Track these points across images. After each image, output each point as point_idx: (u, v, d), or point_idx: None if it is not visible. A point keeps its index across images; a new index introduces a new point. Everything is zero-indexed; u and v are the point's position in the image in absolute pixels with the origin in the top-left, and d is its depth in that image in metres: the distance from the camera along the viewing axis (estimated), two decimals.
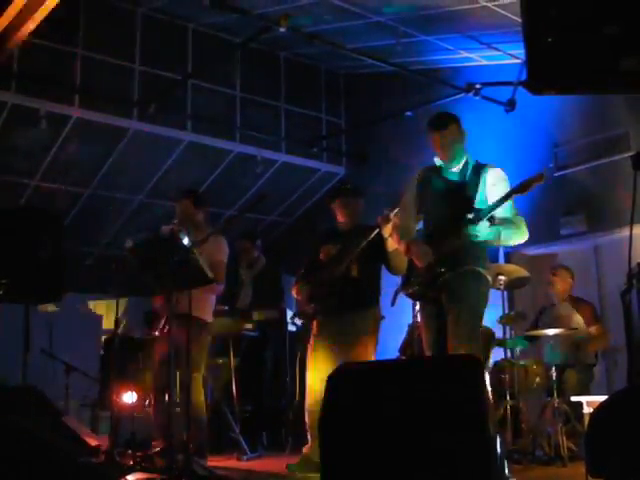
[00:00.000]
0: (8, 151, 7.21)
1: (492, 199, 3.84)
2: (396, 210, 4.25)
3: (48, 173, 7.56)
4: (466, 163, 4.02)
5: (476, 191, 3.89)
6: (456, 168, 4.01)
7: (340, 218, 4.87)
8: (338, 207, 4.87)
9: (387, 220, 4.25)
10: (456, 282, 3.82)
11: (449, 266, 3.82)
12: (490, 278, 4.03)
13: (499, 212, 3.76)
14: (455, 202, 3.91)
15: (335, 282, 4.68)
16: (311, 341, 4.81)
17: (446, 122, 3.97)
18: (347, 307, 4.65)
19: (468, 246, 3.81)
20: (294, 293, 4.92)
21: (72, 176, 7.74)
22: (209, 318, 4.99)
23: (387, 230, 4.30)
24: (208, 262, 4.48)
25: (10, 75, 6.72)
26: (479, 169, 3.98)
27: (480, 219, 3.71)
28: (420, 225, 4.17)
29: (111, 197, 8.13)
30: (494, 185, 3.90)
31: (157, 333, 5.05)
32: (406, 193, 4.22)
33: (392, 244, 4.39)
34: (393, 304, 4.54)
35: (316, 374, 4.65)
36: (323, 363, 4.64)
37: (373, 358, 4.67)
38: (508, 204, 3.80)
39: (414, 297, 4.19)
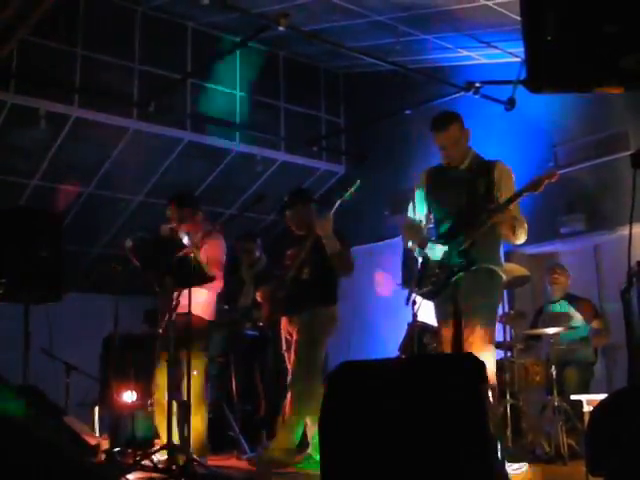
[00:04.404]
0: (8, 151, 7.21)
1: (499, 194, 3.86)
2: (332, 211, 4.39)
3: (48, 173, 7.55)
4: (472, 160, 4.02)
5: (488, 187, 3.89)
6: (463, 166, 4.01)
7: (293, 229, 5.02)
8: (288, 221, 5.06)
9: (324, 223, 4.35)
10: (470, 282, 3.81)
11: (463, 264, 3.81)
12: (504, 276, 4.04)
13: (511, 210, 3.80)
14: (470, 199, 3.90)
15: (286, 285, 4.83)
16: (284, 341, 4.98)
17: (446, 122, 3.98)
18: (297, 309, 4.79)
19: (483, 242, 3.81)
20: (258, 297, 5.12)
21: (72, 176, 7.73)
22: (209, 316, 4.99)
23: (324, 232, 4.42)
24: (205, 260, 4.49)
25: (9, 75, 6.72)
26: (487, 165, 3.98)
27: (501, 210, 3.74)
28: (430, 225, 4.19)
29: (111, 197, 8.13)
30: (501, 181, 3.91)
31: (160, 331, 5.06)
32: (415, 191, 4.21)
33: (333, 246, 4.53)
34: (407, 303, 4.53)
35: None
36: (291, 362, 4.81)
37: (321, 359, 4.77)
38: (517, 204, 3.84)
39: (428, 297, 4.10)
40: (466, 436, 2.33)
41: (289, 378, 4.81)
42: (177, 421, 4.60)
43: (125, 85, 7.50)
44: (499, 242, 3.95)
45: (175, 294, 4.41)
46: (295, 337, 4.79)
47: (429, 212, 4.15)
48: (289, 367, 4.89)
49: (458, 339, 3.84)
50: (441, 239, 3.97)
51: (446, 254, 3.88)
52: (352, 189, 4.47)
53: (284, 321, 4.98)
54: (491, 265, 3.88)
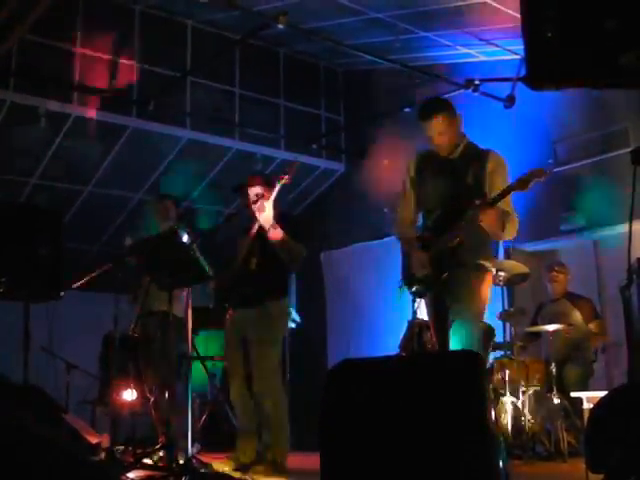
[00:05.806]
0: (7, 149, 7.20)
1: (492, 186, 3.73)
2: (272, 199, 4.32)
3: (47, 171, 7.55)
4: (465, 148, 3.87)
5: (478, 178, 3.75)
6: (455, 154, 3.86)
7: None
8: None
9: (263, 209, 4.31)
10: (459, 278, 3.72)
11: (452, 261, 3.72)
12: (493, 270, 3.96)
13: (500, 204, 3.65)
14: (459, 190, 3.77)
15: (235, 277, 4.66)
16: (226, 335, 4.78)
17: (432, 111, 3.82)
18: (245, 302, 4.60)
19: (471, 237, 3.70)
20: (211, 287, 4.93)
21: (71, 174, 7.74)
22: (180, 314, 4.97)
23: (262, 218, 4.34)
24: None
25: (9, 73, 6.71)
26: (479, 155, 3.84)
27: (488, 205, 3.60)
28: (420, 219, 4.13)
29: (110, 195, 8.13)
30: (494, 172, 3.77)
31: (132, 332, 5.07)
32: (404, 183, 4.06)
33: (275, 234, 4.37)
34: (397, 301, 4.51)
35: (233, 368, 4.66)
36: (236, 357, 4.63)
37: (278, 357, 4.60)
38: (509, 197, 3.71)
39: (417, 295, 4.02)
40: (467, 433, 2.33)
41: (256, 384, 4.54)
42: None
43: (124, 83, 7.49)
44: (488, 235, 3.79)
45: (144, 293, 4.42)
46: (249, 338, 4.58)
47: (417, 202, 4.00)
48: (227, 366, 4.70)
49: (443, 337, 3.80)
50: (429, 232, 3.86)
51: (435, 251, 3.77)
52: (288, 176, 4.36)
53: (229, 316, 4.77)
54: (480, 260, 3.77)
